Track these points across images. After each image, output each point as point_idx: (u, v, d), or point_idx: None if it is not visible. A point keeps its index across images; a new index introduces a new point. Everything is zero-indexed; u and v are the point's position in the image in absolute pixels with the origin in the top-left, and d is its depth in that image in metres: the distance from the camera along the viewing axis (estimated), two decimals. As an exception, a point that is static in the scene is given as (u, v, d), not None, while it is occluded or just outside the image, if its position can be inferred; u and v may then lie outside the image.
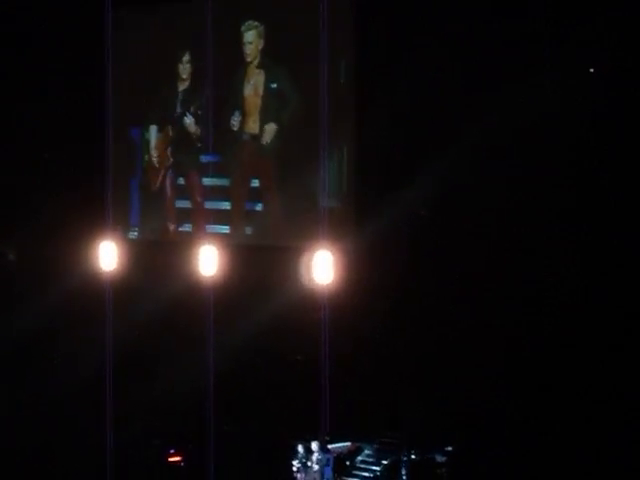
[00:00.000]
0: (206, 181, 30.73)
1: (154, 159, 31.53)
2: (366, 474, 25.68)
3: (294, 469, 25.07)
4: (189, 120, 30.61)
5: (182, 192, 31.21)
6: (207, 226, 30.69)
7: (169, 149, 31.26)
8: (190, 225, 31.04)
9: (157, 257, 30.81)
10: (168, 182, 31.35)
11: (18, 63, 31.76)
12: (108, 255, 31.29)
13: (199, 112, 30.52)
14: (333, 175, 28.47)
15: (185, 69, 30.98)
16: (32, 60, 31.74)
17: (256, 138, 29.77)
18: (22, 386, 28.79)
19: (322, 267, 27.78)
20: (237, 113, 29.87)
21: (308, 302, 28.57)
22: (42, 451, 25.93)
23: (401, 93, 27.01)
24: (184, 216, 31.17)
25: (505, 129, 25.78)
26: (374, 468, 25.85)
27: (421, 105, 26.81)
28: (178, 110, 31.09)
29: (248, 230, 30.27)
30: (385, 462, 25.89)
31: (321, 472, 24.86)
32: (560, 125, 25.22)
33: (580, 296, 24.93)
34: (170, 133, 31.23)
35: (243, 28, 29.81)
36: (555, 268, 25.46)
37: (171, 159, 31.21)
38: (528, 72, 25.37)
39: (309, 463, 24.85)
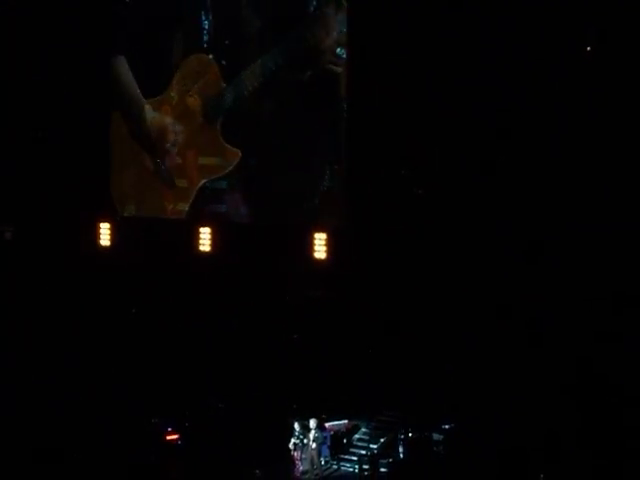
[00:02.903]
0: (203, 160, 30.61)
1: (153, 138, 31.36)
2: (363, 452, 25.67)
3: (291, 447, 25.12)
4: (193, 99, 30.46)
5: (180, 171, 31.07)
6: (204, 205, 30.63)
7: (170, 128, 31.09)
8: (187, 204, 30.91)
9: (154, 235, 30.79)
10: (168, 161, 31.18)
11: (16, 47, 31.65)
12: (105, 232, 31.48)
13: (200, 89, 30.38)
14: (331, 154, 28.41)
15: (179, 43, 30.78)
16: (29, 43, 31.62)
17: (253, 116, 29.68)
18: (21, 364, 28.83)
19: (319, 246, 27.92)
20: (229, 89, 29.76)
21: (305, 281, 28.66)
22: (42, 431, 26.00)
23: (396, 73, 27.01)
24: (181, 195, 31.06)
25: (502, 108, 25.83)
26: (371, 446, 25.85)
27: (417, 85, 26.81)
28: (175, 87, 30.86)
29: (244, 209, 30.19)
30: (382, 440, 25.93)
31: (318, 450, 24.97)
32: (557, 107, 25.27)
33: (572, 274, 25.08)
34: (170, 111, 31.03)
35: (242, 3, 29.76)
36: (548, 244, 25.57)
37: (174, 138, 31.04)
38: (523, 51, 25.42)
39: (306, 441, 24.91)
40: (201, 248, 30.08)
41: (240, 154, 29.62)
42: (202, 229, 30.01)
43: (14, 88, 31.49)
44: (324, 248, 27.88)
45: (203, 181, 30.43)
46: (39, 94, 31.56)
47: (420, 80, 26.65)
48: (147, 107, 31.33)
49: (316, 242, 27.92)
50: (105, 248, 31.65)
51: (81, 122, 31.55)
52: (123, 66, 31.41)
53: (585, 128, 24.70)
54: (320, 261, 27.92)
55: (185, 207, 30.85)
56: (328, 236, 27.90)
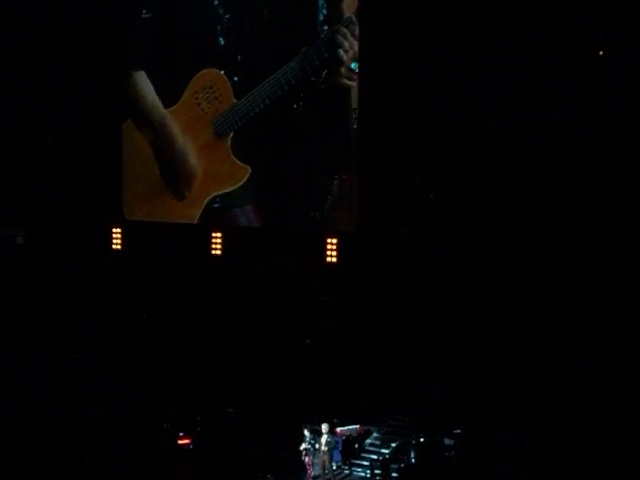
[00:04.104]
0: (213, 174, 30.60)
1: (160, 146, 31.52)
2: (375, 457, 25.61)
3: (302, 451, 25.08)
4: (204, 113, 30.50)
5: (190, 183, 31.03)
6: (214, 215, 30.65)
7: (180, 140, 31.12)
8: (196, 215, 30.93)
9: (165, 239, 30.85)
10: (178, 173, 31.25)
11: (36, 58, 31.83)
12: (117, 237, 31.60)
13: (211, 103, 30.44)
14: (339, 164, 28.51)
15: (193, 57, 30.85)
16: (48, 54, 31.83)
17: (264, 132, 29.75)
18: (31, 367, 28.90)
19: (330, 250, 27.95)
20: (241, 105, 29.75)
21: (316, 285, 28.66)
22: (54, 435, 26.03)
23: (408, 80, 27.09)
24: (190, 207, 31.00)
25: (514, 114, 25.87)
26: (383, 451, 25.81)
27: (428, 92, 26.89)
28: (186, 99, 30.86)
29: (255, 220, 30.11)
30: (394, 445, 25.88)
31: (330, 455, 24.87)
32: (564, 107, 25.29)
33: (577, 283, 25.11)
34: (180, 124, 31.04)
35: None
36: (558, 248, 25.62)
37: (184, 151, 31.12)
38: (535, 57, 25.45)
39: (317, 445, 24.85)
40: (213, 252, 30.12)
41: (250, 170, 29.70)
42: (214, 234, 30.07)
43: (28, 96, 31.59)
44: (336, 253, 27.91)
45: (212, 195, 30.46)
46: (52, 103, 31.69)
47: (431, 86, 26.75)
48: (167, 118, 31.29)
49: (328, 247, 27.96)
50: (117, 252, 31.70)
51: (94, 130, 31.67)
52: (143, 80, 31.35)
53: (597, 132, 24.74)
54: (332, 265, 27.94)
55: (194, 217, 30.84)
56: (339, 241, 27.91)
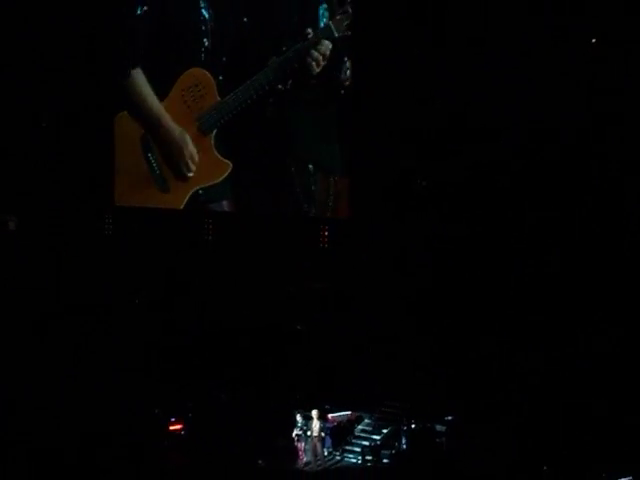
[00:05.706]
0: (196, 169, 30.88)
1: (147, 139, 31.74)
2: (366, 443, 25.66)
3: (294, 437, 25.16)
4: (189, 110, 30.75)
5: (174, 177, 31.24)
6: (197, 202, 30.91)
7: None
8: (180, 200, 31.13)
9: (157, 225, 30.96)
10: (163, 166, 31.46)
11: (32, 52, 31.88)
12: (109, 222, 31.65)
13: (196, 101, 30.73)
14: (333, 146, 28.61)
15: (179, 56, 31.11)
16: (43, 48, 31.92)
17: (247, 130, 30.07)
18: (23, 353, 28.88)
19: (322, 237, 28.00)
20: (225, 103, 30.13)
21: (308, 272, 28.69)
22: (43, 421, 26.00)
23: (398, 68, 27.13)
24: (175, 199, 31.26)
25: (505, 101, 25.88)
26: (374, 437, 25.84)
27: (419, 79, 26.92)
28: (173, 97, 31.02)
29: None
30: (385, 431, 25.92)
31: (321, 441, 24.97)
32: (562, 99, 25.32)
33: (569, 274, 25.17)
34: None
35: None
36: (551, 240, 25.65)
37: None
38: (526, 44, 25.47)
39: (309, 432, 24.94)
40: (204, 239, 30.19)
41: (231, 166, 30.18)
42: (205, 220, 30.15)
43: (23, 84, 31.66)
44: (327, 239, 27.96)
45: (195, 188, 30.90)
46: (46, 92, 31.76)
47: (423, 73, 26.79)
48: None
49: (319, 233, 27.99)
50: (108, 238, 31.74)
51: (86, 117, 31.82)
52: (140, 77, 31.66)
53: (589, 121, 24.77)
54: (323, 252, 27.96)
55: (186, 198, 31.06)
56: (331, 228, 27.94)
